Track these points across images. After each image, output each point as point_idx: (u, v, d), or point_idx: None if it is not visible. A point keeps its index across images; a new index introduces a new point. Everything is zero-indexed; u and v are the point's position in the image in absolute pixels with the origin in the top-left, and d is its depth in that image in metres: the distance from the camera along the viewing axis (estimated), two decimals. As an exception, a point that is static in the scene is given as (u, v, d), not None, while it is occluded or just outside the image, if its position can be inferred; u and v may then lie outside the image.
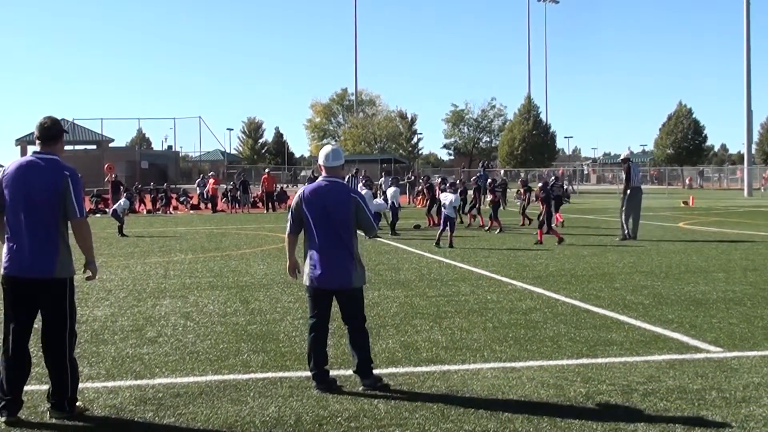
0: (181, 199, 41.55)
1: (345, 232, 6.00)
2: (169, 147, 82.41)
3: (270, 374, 6.43)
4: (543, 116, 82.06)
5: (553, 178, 27.28)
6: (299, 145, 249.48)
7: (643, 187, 20.30)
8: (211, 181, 38.69)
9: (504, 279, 11.83)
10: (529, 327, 8.20)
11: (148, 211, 36.62)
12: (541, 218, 18.36)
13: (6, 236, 5.36)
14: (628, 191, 18.64)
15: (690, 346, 7.32)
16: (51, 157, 5.41)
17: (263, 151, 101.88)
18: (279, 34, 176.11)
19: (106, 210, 34.27)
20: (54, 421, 5.31)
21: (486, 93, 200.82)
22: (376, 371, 6.13)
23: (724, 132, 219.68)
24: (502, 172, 58.67)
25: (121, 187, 34.53)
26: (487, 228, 21.65)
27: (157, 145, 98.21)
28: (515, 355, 7.00)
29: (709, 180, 78.54)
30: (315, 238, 6.04)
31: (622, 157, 22.28)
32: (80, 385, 5.69)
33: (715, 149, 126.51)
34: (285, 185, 53.15)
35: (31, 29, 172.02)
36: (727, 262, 13.62)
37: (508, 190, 33.07)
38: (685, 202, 38.59)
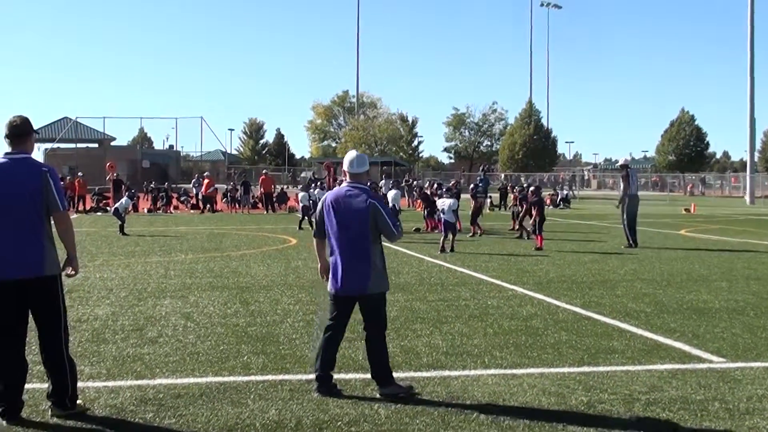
0: (182, 198, 41.55)
1: (363, 239, 5.96)
2: (171, 146, 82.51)
3: (270, 377, 6.41)
4: (544, 121, 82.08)
5: (525, 185, 27.91)
6: (300, 146, 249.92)
7: (644, 193, 20.35)
8: (206, 181, 38.05)
9: (505, 284, 11.80)
10: (530, 333, 8.17)
11: (149, 210, 36.60)
12: (533, 222, 18.44)
13: None
14: (626, 199, 18.63)
15: (692, 355, 7.29)
16: (23, 156, 5.36)
17: (264, 151, 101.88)
18: (281, 36, 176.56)
19: (107, 209, 34.29)
20: (56, 420, 5.29)
21: (487, 97, 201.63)
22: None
23: (727, 139, 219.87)
24: (503, 176, 58.63)
25: (123, 186, 34.47)
26: (470, 234, 21.57)
27: (158, 145, 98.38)
28: (516, 362, 6.98)
29: (710, 187, 78.54)
30: (335, 243, 6.05)
31: (620, 163, 22.27)
32: (81, 384, 5.69)
33: (717, 156, 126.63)
34: (285, 186, 53.12)
35: (35, 27, 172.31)
36: (730, 271, 13.58)
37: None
38: (687, 209, 38.58)
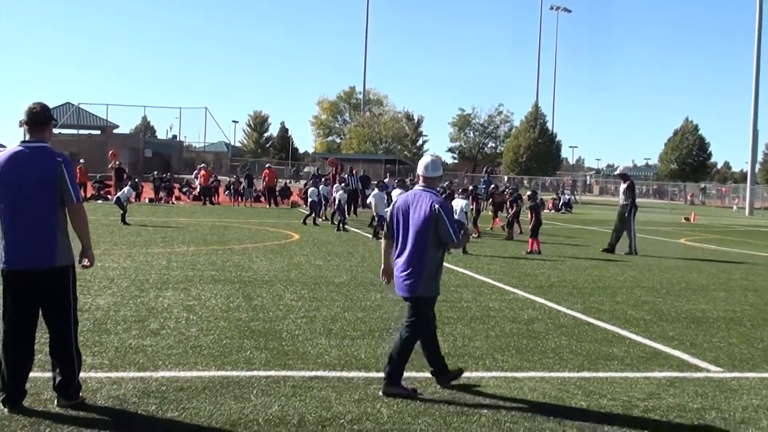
0: (184, 189, 41.56)
1: (421, 242, 6.02)
2: (174, 136, 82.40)
3: (273, 372, 6.45)
4: (549, 125, 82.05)
5: (493, 186, 28.24)
6: (304, 141, 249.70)
7: (645, 201, 20.48)
8: (203, 173, 37.83)
9: (506, 287, 11.86)
10: (531, 337, 8.23)
11: (151, 200, 36.62)
12: (512, 219, 19.12)
13: (3, 230, 5.26)
14: (620, 208, 18.64)
15: (690, 364, 7.35)
16: (40, 144, 5.32)
17: (268, 145, 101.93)
18: (289, 29, 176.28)
19: (108, 197, 34.31)
20: (58, 409, 5.30)
21: (494, 99, 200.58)
22: (375, 374, 6.20)
23: (728, 149, 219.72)
24: (506, 178, 58.62)
25: (125, 175, 34.46)
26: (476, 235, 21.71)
27: (161, 134, 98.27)
28: (517, 365, 7.03)
29: (710, 197, 78.60)
30: (398, 245, 6.15)
31: (618, 171, 22.28)
32: (84, 375, 5.71)
33: (718, 166, 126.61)
34: (288, 181, 53.14)
35: (40, 14, 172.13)
36: (728, 282, 13.65)
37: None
38: (687, 218, 38.64)
